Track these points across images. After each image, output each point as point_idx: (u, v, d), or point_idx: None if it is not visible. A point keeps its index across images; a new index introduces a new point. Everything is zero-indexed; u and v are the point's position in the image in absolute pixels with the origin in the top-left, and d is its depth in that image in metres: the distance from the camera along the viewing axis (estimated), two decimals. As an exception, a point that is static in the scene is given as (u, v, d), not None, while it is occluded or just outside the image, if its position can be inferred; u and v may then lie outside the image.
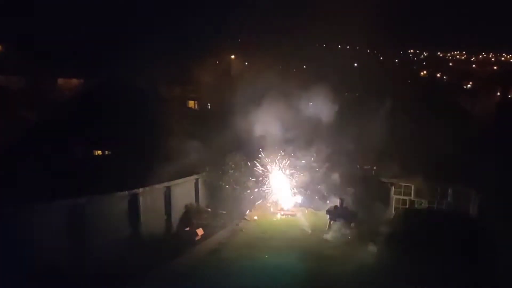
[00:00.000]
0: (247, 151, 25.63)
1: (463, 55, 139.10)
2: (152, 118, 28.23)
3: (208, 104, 45.26)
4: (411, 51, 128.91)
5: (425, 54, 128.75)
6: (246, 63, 54.25)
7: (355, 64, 74.36)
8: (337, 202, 24.36)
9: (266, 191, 26.35)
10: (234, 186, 24.98)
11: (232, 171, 25.04)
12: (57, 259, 16.27)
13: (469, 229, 20.61)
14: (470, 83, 73.69)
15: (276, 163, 26.24)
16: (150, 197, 20.60)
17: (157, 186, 21.03)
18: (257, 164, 25.83)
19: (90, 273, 16.42)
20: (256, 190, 25.99)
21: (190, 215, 22.89)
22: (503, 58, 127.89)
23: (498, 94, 58.81)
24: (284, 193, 26.32)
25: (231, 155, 24.98)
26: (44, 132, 26.71)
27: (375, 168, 28.34)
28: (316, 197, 26.15)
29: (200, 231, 21.77)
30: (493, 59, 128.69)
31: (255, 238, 21.87)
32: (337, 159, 26.40)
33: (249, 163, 25.71)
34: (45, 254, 15.93)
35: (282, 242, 21.30)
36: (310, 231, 22.95)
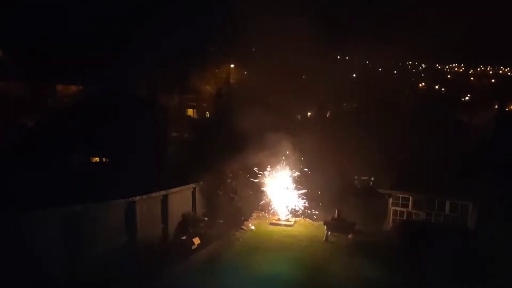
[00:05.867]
0: (245, 160, 25.59)
1: (461, 68, 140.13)
2: (150, 126, 28.23)
3: (207, 112, 45.33)
4: (410, 62, 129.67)
5: (423, 66, 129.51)
6: (246, 72, 54.44)
7: (354, 75, 74.74)
8: (334, 212, 24.26)
9: (264, 201, 26.31)
10: (232, 195, 24.92)
11: (229, 180, 24.99)
12: (52, 267, 16.14)
13: (467, 241, 20.60)
14: (468, 95, 74.12)
15: (273, 172, 26.23)
16: (147, 205, 20.49)
17: (154, 194, 20.93)
18: (255, 173, 25.80)
19: (85, 281, 16.27)
20: (253, 199, 25.94)
21: (186, 224, 22.79)
22: (500, 72, 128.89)
23: (496, 107, 59.18)
24: (281, 203, 26.25)
25: (229, 164, 24.94)
26: (42, 138, 26.64)
27: (372, 179, 28.37)
28: (314, 207, 26.09)
29: (196, 240, 21.65)
30: (490, 72, 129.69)
31: (252, 248, 21.75)
32: (334, 169, 26.39)
33: (247, 172, 25.67)
34: (40, 261, 15.78)
35: (278, 252, 21.19)
36: (307, 242, 22.84)
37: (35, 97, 38.10)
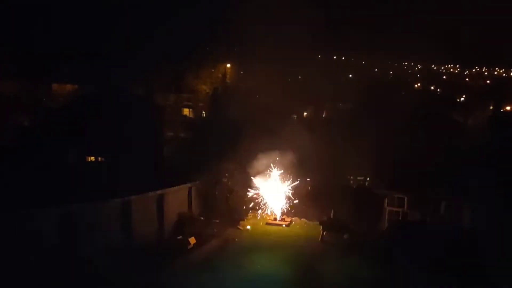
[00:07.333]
0: (241, 159, 25.60)
1: (456, 69, 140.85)
2: (146, 126, 28.18)
3: (203, 112, 45.32)
4: (405, 63, 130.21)
5: (419, 66, 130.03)
6: (242, 72, 54.49)
7: (350, 75, 75.01)
8: (330, 213, 24.31)
9: (260, 200, 26.30)
10: (228, 195, 24.90)
11: (225, 180, 24.98)
12: (47, 266, 16.07)
13: (462, 241, 20.66)
14: (464, 96, 74.43)
15: (269, 173, 26.23)
16: (142, 205, 20.45)
17: (150, 194, 20.90)
18: (251, 173, 25.79)
19: (81, 281, 16.22)
20: (249, 199, 25.93)
21: (182, 224, 22.76)
22: (495, 73, 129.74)
23: (491, 107, 59.45)
24: (277, 202, 26.26)
25: (225, 163, 24.93)
26: (37, 137, 26.56)
27: (368, 179, 28.43)
28: (309, 207, 26.09)
29: (192, 240, 21.62)
30: (486, 73, 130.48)
31: (248, 248, 21.75)
32: (330, 170, 26.44)
33: (243, 172, 25.66)
34: (34, 262, 15.72)
35: (274, 252, 21.20)
36: (302, 242, 22.86)
37: (31, 96, 37.93)
